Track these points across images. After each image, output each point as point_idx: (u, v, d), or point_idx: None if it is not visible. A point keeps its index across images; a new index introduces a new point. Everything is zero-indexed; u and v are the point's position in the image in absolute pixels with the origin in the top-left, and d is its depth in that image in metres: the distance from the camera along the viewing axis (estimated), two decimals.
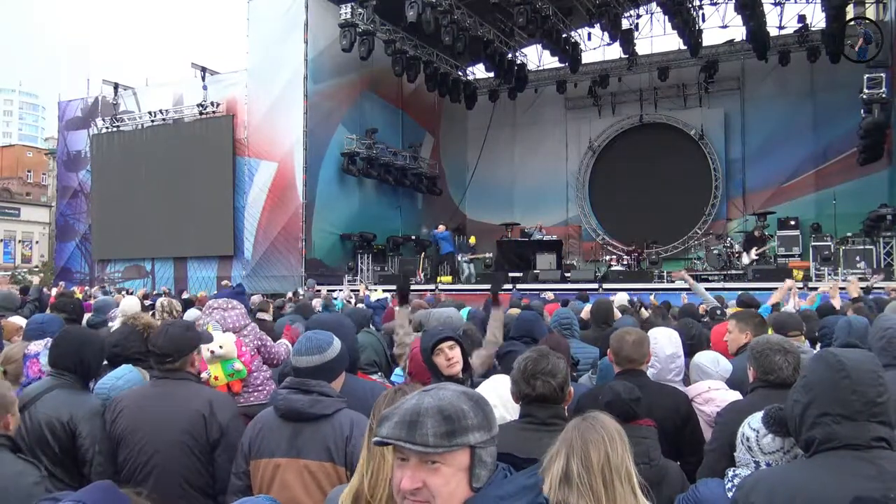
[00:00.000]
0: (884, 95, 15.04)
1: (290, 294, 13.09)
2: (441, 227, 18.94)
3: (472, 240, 20.45)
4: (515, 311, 5.86)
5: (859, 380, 1.66)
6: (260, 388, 3.32)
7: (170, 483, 2.65)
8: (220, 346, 3.15)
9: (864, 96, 15.21)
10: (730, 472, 2.13)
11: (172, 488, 2.65)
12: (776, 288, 9.19)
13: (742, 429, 2.17)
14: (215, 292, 13.67)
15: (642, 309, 7.57)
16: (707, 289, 13.03)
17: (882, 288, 10.89)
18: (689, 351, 3.79)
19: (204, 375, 3.17)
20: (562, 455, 1.67)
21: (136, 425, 2.69)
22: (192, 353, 2.87)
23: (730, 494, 2.04)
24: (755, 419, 2.13)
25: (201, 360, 3.20)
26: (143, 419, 2.70)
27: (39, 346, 3.23)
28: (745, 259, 16.10)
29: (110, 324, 5.39)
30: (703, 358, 3.44)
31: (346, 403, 2.44)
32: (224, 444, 2.69)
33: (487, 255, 19.64)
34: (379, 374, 4.19)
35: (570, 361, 3.79)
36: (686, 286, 14.63)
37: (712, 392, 3.25)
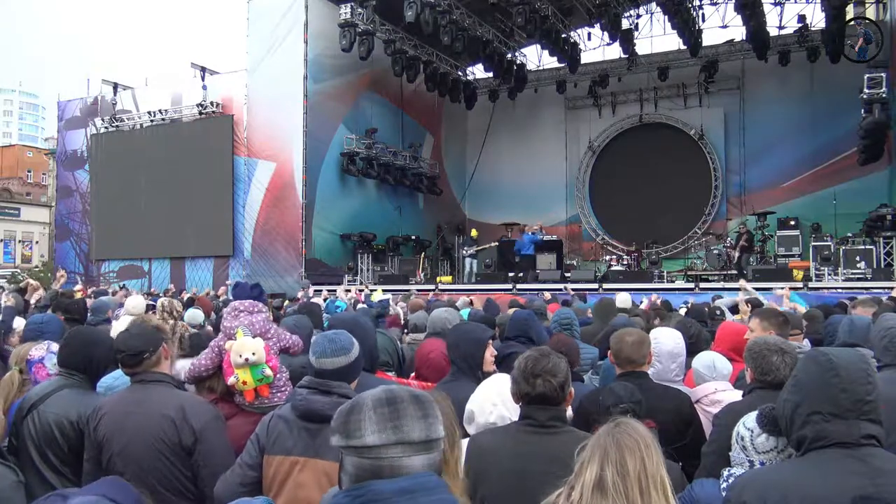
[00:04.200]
0: (884, 95, 15.04)
1: (299, 294, 13.07)
2: (530, 229, 18.82)
3: (474, 233, 20.45)
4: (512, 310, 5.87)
5: (849, 378, 1.68)
6: (283, 388, 3.33)
7: (146, 487, 2.62)
8: (254, 353, 3.15)
9: (865, 96, 15.21)
10: (725, 472, 2.13)
11: (149, 493, 2.61)
12: (779, 288, 9.20)
13: (737, 428, 2.18)
14: (228, 284, 13.61)
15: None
16: (706, 289, 13.08)
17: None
18: (689, 351, 3.78)
19: (231, 380, 3.17)
20: (595, 461, 1.64)
21: (112, 431, 2.71)
22: (163, 349, 2.87)
23: (724, 494, 2.04)
24: (750, 418, 2.15)
25: (227, 365, 3.18)
26: (120, 425, 2.71)
27: (42, 351, 3.24)
28: (734, 257, 16.48)
29: (114, 322, 5.38)
30: (698, 363, 3.44)
31: None
32: (201, 449, 2.68)
33: (493, 243, 19.56)
34: (393, 373, 4.21)
35: (578, 360, 3.79)
36: (691, 286, 14.85)
37: (719, 393, 3.25)
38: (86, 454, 2.77)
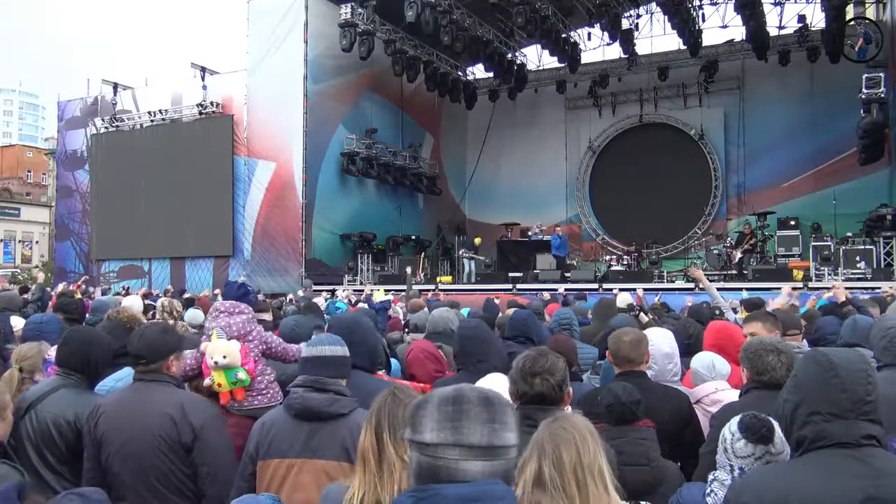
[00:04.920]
0: (882, 95, 15.04)
1: (290, 296, 13.07)
2: (558, 230, 19.17)
3: (478, 240, 20.45)
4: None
5: (849, 378, 1.68)
6: (264, 391, 3.30)
7: (145, 486, 2.66)
8: (224, 357, 3.12)
9: (863, 96, 15.21)
10: (710, 476, 2.13)
11: (148, 491, 2.66)
12: (776, 288, 9.19)
13: (723, 430, 2.17)
14: (215, 291, 13.65)
15: (641, 314, 7.43)
16: (706, 289, 12.97)
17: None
18: (687, 351, 3.78)
19: (207, 382, 3.15)
20: (534, 458, 1.65)
21: (112, 429, 2.70)
22: (169, 358, 2.84)
23: (708, 500, 2.04)
24: (736, 422, 2.14)
25: (205, 367, 3.18)
26: (119, 423, 2.70)
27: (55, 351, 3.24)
28: (735, 256, 16.34)
29: None
30: (698, 363, 3.43)
31: (359, 403, 2.44)
32: (199, 447, 2.68)
33: (487, 260, 19.70)
34: (383, 371, 4.22)
35: (575, 360, 3.79)
36: (691, 286, 14.84)
37: (719, 393, 3.25)
38: (85, 452, 2.77)
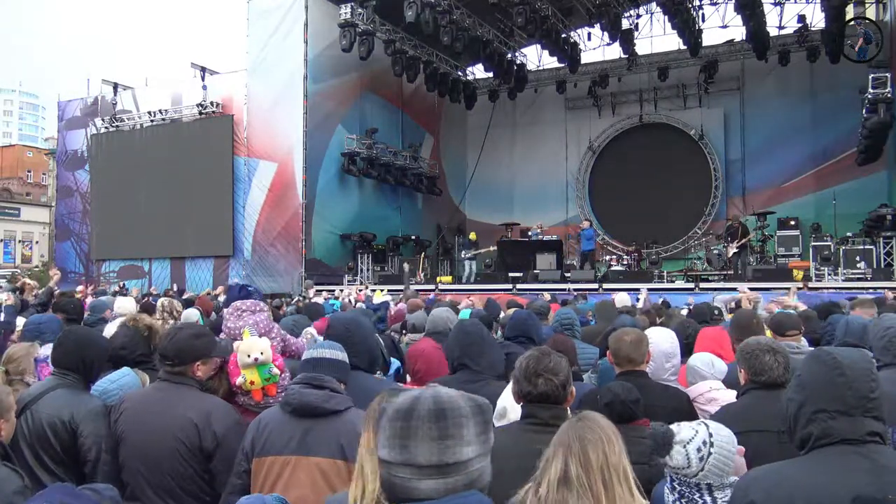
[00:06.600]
0: (889, 95, 14.97)
1: (296, 298, 13.07)
2: (585, 224, 18.90)
3: (473, 236, 20.44)
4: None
5: (854, 376, 1.69)
6: (287, 387, 3.32)
7: (161, 486, 2.66)
8: (262, 353, 3.13)
9: (869, 96, 15.15)
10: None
11: (165, 492, 2.67)
12: (775, 288, 9.17)
13: None
14: (211, 291, 13.64)
15: (638, 315, 7.38)
16: (707, 289, 13.04)
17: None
18: (685, 351, 3.78)
19: (239, 381, 3.13)
20: (559, 456, 1.65)
21: (133, 427, 2.72)
22: (196, 363, 2.83)
23: (666, 494, 2.08)
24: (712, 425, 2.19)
25: (234, 366, 3.15)
26: (140, 422, 2.72)
27: (49, 350, 3.23)
28: (729, 252, 16.16)
29: (109, 324, 5.36)
30: (697, 360, 3.45)
31: (357, 402, 2.46)
32: (220, 454, 2.69)
33: (492, 248, 19.55)
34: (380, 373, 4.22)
35: (575, 360, 3.79)
36: (691, 286, 14.78)
37: (713, 392, 3.26)
38: (104, 444, 2.80)
